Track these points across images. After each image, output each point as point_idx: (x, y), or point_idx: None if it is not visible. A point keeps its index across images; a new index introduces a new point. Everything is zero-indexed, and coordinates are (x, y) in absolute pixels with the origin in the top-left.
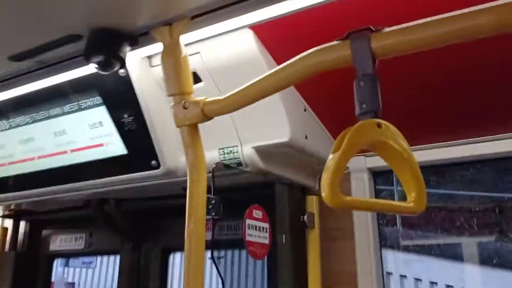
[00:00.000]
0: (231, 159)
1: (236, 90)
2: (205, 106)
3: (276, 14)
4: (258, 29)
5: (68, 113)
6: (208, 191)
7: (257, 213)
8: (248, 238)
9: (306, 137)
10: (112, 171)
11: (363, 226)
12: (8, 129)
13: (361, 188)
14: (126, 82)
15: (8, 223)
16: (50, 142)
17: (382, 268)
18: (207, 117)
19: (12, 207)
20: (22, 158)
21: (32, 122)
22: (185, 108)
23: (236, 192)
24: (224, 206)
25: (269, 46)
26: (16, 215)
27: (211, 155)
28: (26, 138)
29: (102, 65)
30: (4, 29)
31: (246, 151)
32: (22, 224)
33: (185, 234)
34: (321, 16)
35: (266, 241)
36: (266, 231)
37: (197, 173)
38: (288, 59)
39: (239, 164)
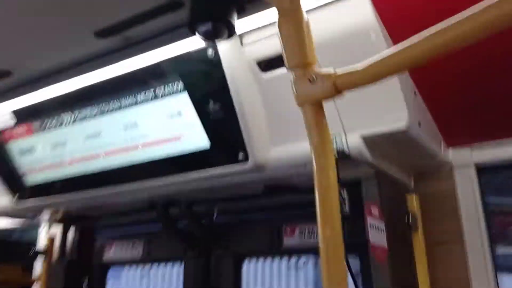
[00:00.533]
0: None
1: (379, 56)
2: (338, 78)
3: None
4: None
5: (142, 102)
6: None
7: (374, 211)
8: (372, 239)
9: (419, 125)
10: (190, 166)
11: (474, 226)
12: (72, 123)
13: (467, 187)
14: (215, 65)
15: (57, 229)
16: (119, 136)
17: (496, 276)
18: (338, 92)
19: (61, 211)
20: (85, 156)
21: (100, 115)
22: (311, 81)
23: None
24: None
25: (384, 17)
26: (65, 220)
27: (306, 146)
28: (92, 132)
29: (209, 34)
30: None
31: (352, 141)
32: (72, 230)
33: (319, 237)
34: None
35: (385, 244)
36: (383, 232)
37: (325, 159)
38: (406, 34)
39: (343, 155)
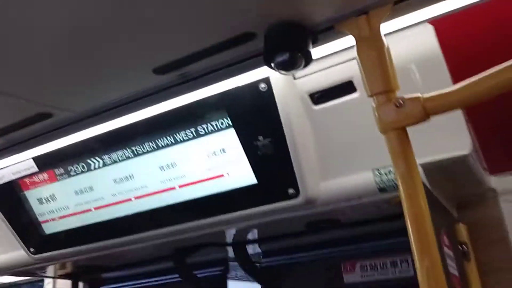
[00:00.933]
0: (389, 180)
1: (470, 79)
2: (427, 102)
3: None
4: (438, 24)
5: (181, 142)
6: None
7: (445, 240)
8: (450, 269)
9: (476, 152)
10: (237, 205)
11: None
12: (102, 167)
13: None
14: (267, 98)
15: (63, 284)
16: (153, 178)
17: None
18: (427, 116)
19: (69, 265)
20: (114, 201)
21: (133, 157)
22: (397, 106)
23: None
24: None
25: (445, 44)
26: (74, 275)
27: (362, 177)
28: (124, 176)
29: (285, 64)
30: (153, 38)
31: None
32: (81, 286)
33: (418, 268)
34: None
35: (457, 273)
36: (454, 260)
37: (414, 187)
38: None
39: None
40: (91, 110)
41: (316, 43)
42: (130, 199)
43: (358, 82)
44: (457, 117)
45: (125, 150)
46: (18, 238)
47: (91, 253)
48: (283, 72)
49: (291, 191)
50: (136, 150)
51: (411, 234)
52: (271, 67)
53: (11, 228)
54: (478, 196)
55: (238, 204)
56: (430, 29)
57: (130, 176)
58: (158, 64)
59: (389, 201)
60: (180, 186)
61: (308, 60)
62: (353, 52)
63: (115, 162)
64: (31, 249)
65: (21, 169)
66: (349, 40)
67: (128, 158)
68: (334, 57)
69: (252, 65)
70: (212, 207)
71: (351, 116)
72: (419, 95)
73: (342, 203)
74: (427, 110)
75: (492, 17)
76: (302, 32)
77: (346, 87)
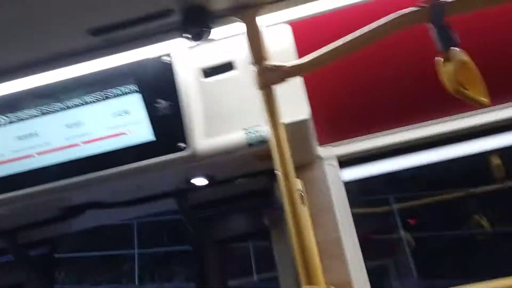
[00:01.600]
0: (256, 137)
1: (317, 52)
2: (290, 68)
3: (319, 10)
4: (295, 25)
5: (90, 103)
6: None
7: None
8: None
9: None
10: (136, 157)
11: (339, 199)
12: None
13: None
14: (169, 69)
15: None
16: (58, 136)
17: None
18: (288, 77)
19: None
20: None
21: (40, 115)
22: (268, 69)
23: None
24: None
25: (299, 44)
26: None
27: (236, 136)
28: (28, 133)
29: (197, 35)
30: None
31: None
32: None
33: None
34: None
35: None
36: None
37: (275, 130)
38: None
39: (264, 141)
40: (21, 63)
41: (215, 24)
42: (32, 155)
43: (238, 62)
44: (299, 89)
45: (33, 109)
46: None
47: None
48: (192, 41)
49: (181, 144)
50: (43, 109)
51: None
52: (184, 37)
53: None
54: (310, 160)
55: (137, 157)
56: (288, 29)
57: (34, 133)
58: (93, 25)
59: (254, 155)
60: (84, 143)
61: (209, 35)
62: (235, 40)
63: (20, 119)
64: None
65: None
66: (233, 30)
67: (35, 116)
68: (221, 43)
69: (166, 37)
70: (112, 161)
71: (230, 88)
72: (283, 63)
73: (220, 157)
74: (289, 74)
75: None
76: (208, 14)
77: (228, 67)
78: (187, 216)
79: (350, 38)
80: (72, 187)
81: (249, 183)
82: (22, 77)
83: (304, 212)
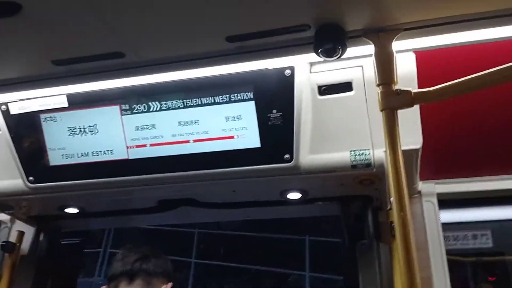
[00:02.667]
0: (361, 160)
1: (446, 84)
2: (416, 94)
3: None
4: (420, 54)
5: (206, 104)
6: None
7: None
8: None
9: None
10: (241, 162)
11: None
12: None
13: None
14: (288, 82)
15: (23, 227)
16: (173, 130)
17: None
18: (413, 104)
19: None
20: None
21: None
22: (396, 94)
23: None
24: None
25: (420, 73)
26: (38, 219)
27: (340, 156)
28: (146, 124)
29: (329, 52)
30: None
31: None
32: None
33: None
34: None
35: None
36: None
37: (393, 154)
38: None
39: (368, 165)
40: (159, 59)
41: (347, 43)
42: (145, 145)
43: (355, 84)
44: (415, 117)
45: (155, 103)
46: (20, 166)
47: (88, 189)
48: (324, 57)
49: (286, 156)
50: (164, 104)
51: (392, 192)
52: (316, 53)
53: (16, 156)
54: (410, 194)
55: (241, 161)
56: (412, 57)
57: (152, 125)
58: (232, 33)
59: (355, 178)
60: (195, 141)
61: (343, 53)
62: (357, 61)
63: (142, 112)
64: (30, 178)
65: (51, 103)
66: (354, 51)
67: (155, 110)
68: (342, 63)
69: (298, 51)
70: (216, 162)
71: (343, 109)
72: (410, 89)
73: (321, 174)
74: (414, 100)
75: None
76: (343, 33)
77: (346, 87)
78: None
79: (483, 73)
80: (173, 180)
81: (338, 206)
82: (163, 72)
83: (396, 245)
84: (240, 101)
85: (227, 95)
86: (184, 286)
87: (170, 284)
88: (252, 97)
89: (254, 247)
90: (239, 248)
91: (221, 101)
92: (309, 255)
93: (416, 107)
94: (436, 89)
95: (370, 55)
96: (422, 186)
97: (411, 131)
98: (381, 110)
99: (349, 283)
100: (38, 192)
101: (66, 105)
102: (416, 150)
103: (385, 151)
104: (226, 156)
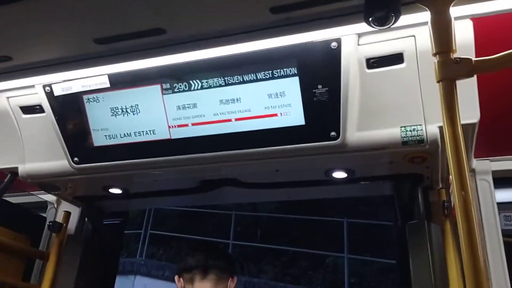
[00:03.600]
0: (412, 136)
1: (508, 51)
2: (477, 62)
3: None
4: (477, 21)
5: (248, 81)
6: None
7: None
8: None
9: None
10: (285, 140)
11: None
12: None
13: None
14: (335, 55)
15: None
16: (214, 109)
17: None
18: (474, 73)
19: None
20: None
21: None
22: (455, 63)
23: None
24: None
25: (478, 41)
26: (84, 199)
27: (390, 132)
28: (187, 104)
29: (381, 20)
30: None
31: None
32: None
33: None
34: None
35: None
36: None
37: (452, 128)
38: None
39: (420, 142)
40: (199, 35)
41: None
42: (187, 125)
43: (406, 55)
44: (472, 91)
45: (196, 81)
46: (65, 147)
47: (131, 169)
48: (375, 26)
49: (333, 133)
50: (205, 82)
51: (452, 170)
52: (367, 22)
53: (61, 137)
54: None
55: (285, 140)
56: (469, 24)
57: (193, 105)
58: (276, 4)
59: (405, 155)
60: (237, 119)
61: (396, 20)
62: (408, 31)
63: (184, 90)
64: (75, 159)
65: (93, 83)
66: (405, 20)
67: (197, 89)
68: (391, 33)
69: (347, 20)
70: (258, 141)
71: (393, 82)
72: (470, 57)
73: (369, 152)
74: (475, 69)
75: None
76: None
77: (396, 59)
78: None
79: None
80: (215, 160)
81: (385, 186)
82: (205, 48)
83: (447, 224)
84: (283, 77)
85: (270, 71)
86: None
87: (235, 278)
88: (296, 72)
89: (292, 229)
90: (276, 230)
91: (263, 77)
92: (347, 237)
93: (474, 78)
94: (498, 57)
95: (423, 24)
96: (476, 163)
97: (468, 104)
98: (438, 81)
99: (400, 264)
100: (82, 173)
101: (107, 85)
102: (473, 125)
103: (443, 126)
104: (269, 135)
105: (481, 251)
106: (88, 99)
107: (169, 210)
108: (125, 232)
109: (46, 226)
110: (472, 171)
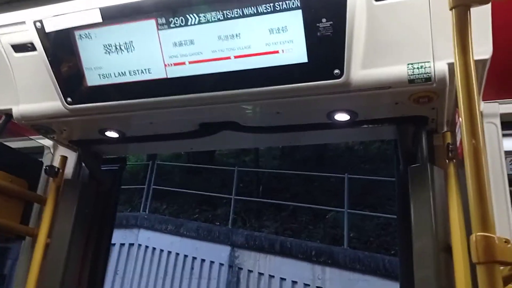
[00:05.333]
0: (419, 74)
1: None
2: None
3: None
4: None
5: (248, 15)
6: None
7: None
8: None
9: None
10: (286, 79)
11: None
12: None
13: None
14: None
15: (65, 151)
16: (212, 46)
17: None
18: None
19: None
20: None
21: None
22: None
23: None
24: None
25: None
26: (80, 143)
27: (396, 70)
28: (185, 39)
29: None
30: None
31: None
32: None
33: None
34: None
35: None
36: None
37: (464, 62)
38: None
39: (428, 80)
40: None
41: None
42: (183, 63)
43: None
44: (485, 24)
45: (191, 16)
46: (58, 87)
47: (127, 110)
48: None
49: (336, 71)
50: (202, 17)
51: (461, 109)
52: None
53: (53, 76)
54: None
55: (286, 78)
56: None
57: (190, 41)
58: None
59: (411, 95)
60: (236, 57)
61: None
62: None
63: (179, 26)
64: (68, 99)
65: (84, 18)
66: None
67: (193, 24)
68: None
69: None
70: (258, 80)
71: (402, 17)
72: None
73: (373, 92)
74: None
75: None
76: None
77: None
78: None
79: None
80: (214, 101)
81: (388, 129)
82: None
83: (451, 168)
84: (285, 10)
85: (271, 4)
86: (225, 222)
87: None
88: (299, 5)
89: (293, 185)
90: (278, 186)
91: (264, 11)
92: (347, 192)
93: (488, 8)
94: None
95: None
96: (484, 106)
97: (481, 38)
98: (451, 9)
99: (401, 209)
100: (76, 114)
101: (100, 20)
102: (484, 61)
103: (454, 61)
104: (270, 73)
105: (489, 197)
106: (80, 35)
107: (172, 166)
108: (128, 187)
109: (43, 170)
110: (480, 114)
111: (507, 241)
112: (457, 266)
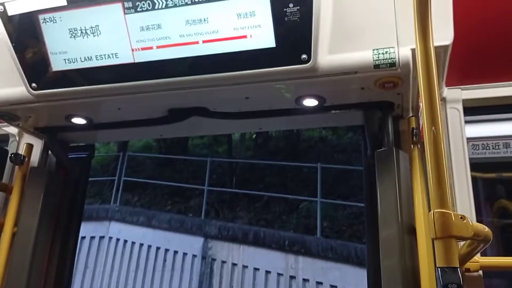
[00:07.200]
0: (384, 59)
1: None
2: None
3: None
4: None
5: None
6: None
7: None
8: None
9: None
10: (254, 64)
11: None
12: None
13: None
14: None
15: (31, 139)
16: (180, 31)
17: None
18: None
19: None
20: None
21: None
22: None
23: None
24: None
25: None
26: (46, 130)
27: (361, 55)
28: (152, 24)
29: None
30: None
31: (403, 53)
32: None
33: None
34: None
35: None
36: None
37: (424, 48)
38: None
39: (392, 65)
40: None
41: None
42: (151, 47)
43: None
44: (447, 11)
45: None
46: (22, 72)
47: (94, 96)
48: None
49: (304, 56)
50: (169, 1)
51: (422, 93)
52: None
53: (17, 61)
54: None
55: (255, 63)
56: None
57: (158, 25)
58: None
59: (377, 80)
60: (204, 41)
61: None
62: None
63: (147, 10)
64: (33, 85)
65: (48, 1)
66: None
67: (160, 8)
68: None
69: None
70: (226, 64)
71: (367, 2)
72: None
73: (340, 77)
74: None
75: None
76: None
77: None
78: None
79: None
80: (182, 86)
81: (355, 115)
82: None
83: (415, 152)
84: None
85: None
86: (198, 213)
87: None
88: None
89: (266, 175)
90: (251, 177)
91: None
92: (320, 182)
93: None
94: None
95: None
96: (447, 92)
97: (442, 25)
98: None
99: (368, 193)
100: (42, 100)
101: (64, 3)
102: (446, 47)
103: (416, 45)
104: (238, 58)
105: (447, 177)
106: (45, 19)
107: (143, 157)
108: (98, 179)
109: (8, 158)
110: (443, 99)
111: (463, 217)
112: (421, 245)
